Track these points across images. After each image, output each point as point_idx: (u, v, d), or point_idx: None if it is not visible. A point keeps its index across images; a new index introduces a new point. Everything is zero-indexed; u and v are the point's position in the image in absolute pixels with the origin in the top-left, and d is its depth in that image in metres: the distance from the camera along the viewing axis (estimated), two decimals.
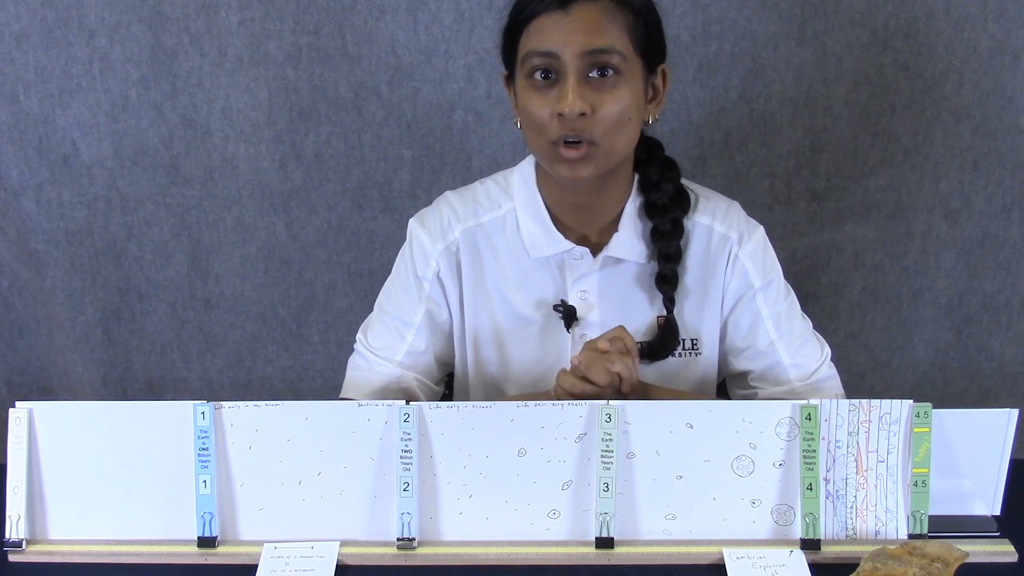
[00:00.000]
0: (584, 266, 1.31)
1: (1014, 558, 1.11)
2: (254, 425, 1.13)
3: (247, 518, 1.14)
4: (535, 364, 1.35)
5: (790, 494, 1.12)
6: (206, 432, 1.12)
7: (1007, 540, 1.12)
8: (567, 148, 1.18)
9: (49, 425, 1.14)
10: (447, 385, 1.45)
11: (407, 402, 1.11)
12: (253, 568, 1.09)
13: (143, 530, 1.14)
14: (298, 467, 1.13)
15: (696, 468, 1.12)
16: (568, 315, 1.31)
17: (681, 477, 1.12)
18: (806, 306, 1.38)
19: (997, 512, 1.15)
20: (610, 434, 1.10)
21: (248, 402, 1.12)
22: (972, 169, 1.82)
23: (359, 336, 1.37)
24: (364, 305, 1.55)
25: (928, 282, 1.90)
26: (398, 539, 1.12)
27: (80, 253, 1.91)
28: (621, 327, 1.22)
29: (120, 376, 1.99)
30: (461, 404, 1.12)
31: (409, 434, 1.11)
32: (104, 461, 1.13)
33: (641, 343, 1.31)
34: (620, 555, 1.11)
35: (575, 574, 1.09)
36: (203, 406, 1.12)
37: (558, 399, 1.17)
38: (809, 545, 1.11)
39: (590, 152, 1.19)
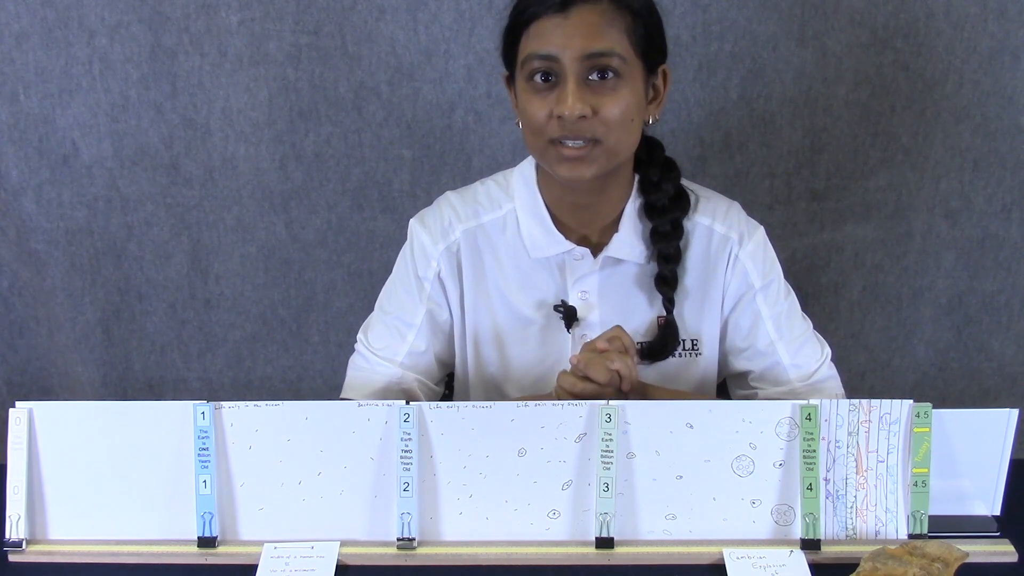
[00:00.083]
0: (584, 266, 1.31)
1: (1014, 558, 1.11)
2: (254, 425, 1.13)
3: (247, 518, 1.14)
4: (535, 364, 1.34)
5: (790, 494, 1.12)
6: (206, 432, 1.12)
7: (1007, 540, 1.12)
8: (567, 148, 1.18)
9: (49, 425, 1.14)
10: (447, 385, 1.45)
11: (407, 402, 1.11)
12: (253, 568, 1.09)
13: (143, 530, 1.13)
14: (298, 467, 1.13)
15: (696, 468, 1.12)
16: (568, 315, 1.31)
17: (681, 477, 1.12)
18: (806, 306, 1.38)
19: (997, 512, 1.15)
20: (610, 434, 1.10)
21: (248, 402, 1.12)
22: (972, 169, 1.82)
23: (360, 336, 1.37)
24: (364, 305, 1.55)
25: (928, 282, 1.90)
26: (398, 539, 1.12)
27: (80, 253, 1.90)
28: (619, 327, 1.22)
29: (120, 376, 1.99)
30: (461, 404, 1.12)
31: (409, 434, 1.11)
32: (104, 461, 1.13)
33: (641, 343, 1.31)
34: (620, 555, 1.11)
35: (575, 574, 1.09)
36: (203, 406, 1.12)
37: (559, 400, 1.17)
38: (809, 545, 1.11)
39: (592, 151, 1.19)
